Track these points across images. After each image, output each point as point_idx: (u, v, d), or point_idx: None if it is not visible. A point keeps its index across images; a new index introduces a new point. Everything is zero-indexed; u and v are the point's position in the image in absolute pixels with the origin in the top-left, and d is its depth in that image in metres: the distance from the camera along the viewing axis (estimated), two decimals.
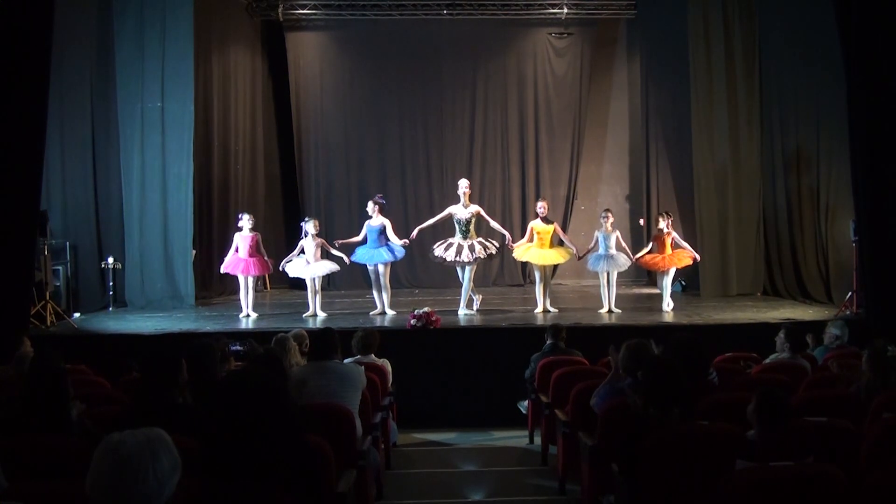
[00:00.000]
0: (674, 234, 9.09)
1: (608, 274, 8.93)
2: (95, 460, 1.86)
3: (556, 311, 9.06)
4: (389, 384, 5.91)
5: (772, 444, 3.23)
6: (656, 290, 11.55)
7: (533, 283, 11.58)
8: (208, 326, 8.52)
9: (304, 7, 12.24)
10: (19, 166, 7.10)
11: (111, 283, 9.76)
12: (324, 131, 12.65)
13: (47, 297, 8.34)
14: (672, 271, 9.11)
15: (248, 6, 12.13)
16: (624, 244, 9.06)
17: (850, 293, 8.38)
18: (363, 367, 4.98)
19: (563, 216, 12.70)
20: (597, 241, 8.98)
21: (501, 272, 12.62)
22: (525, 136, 12.70)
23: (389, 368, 6.04)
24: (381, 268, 8.93)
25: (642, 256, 9.17)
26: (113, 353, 7.14)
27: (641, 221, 12.68)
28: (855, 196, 7.66)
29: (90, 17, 9.88)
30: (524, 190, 12.71)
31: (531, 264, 9.41)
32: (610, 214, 9.07)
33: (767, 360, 5.48)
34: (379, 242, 8.88)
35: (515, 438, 6.57)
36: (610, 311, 8.95)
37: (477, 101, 12.68)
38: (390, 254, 8.89)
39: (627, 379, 4.13)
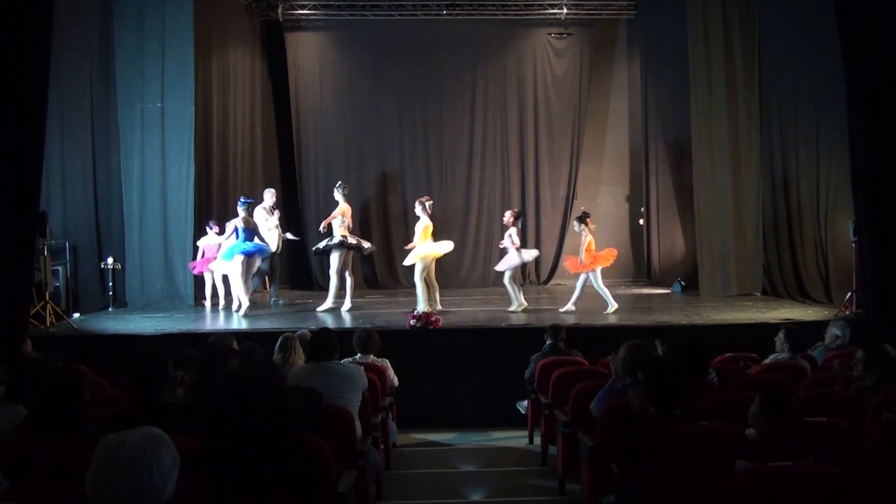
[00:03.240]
0: (584, 236, 8.92)
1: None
2: (95, 461, 1.86)
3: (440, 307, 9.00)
4: (389, 384, 5.91)
5: (773, 444, 3.22)
6: (656, 290, 11.58)
7: (533, 283, 11.69)
8: (207, 327, 8.54)
9: (303, 7, 12.24)
10: (19, 166, 7.09)
11: (111, 284, 9.75)
12: (324, 131, 12.64)
13: (47, 298, 8.33)
14: (588, 274, 8.95)
15: (247, 6, 12.12)
16: (510, 243, 9.02)
17: (849, 293, 8.38)
18: (363, 367, 4.98)
19: (563, 216, 12.71)
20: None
21: (501, 272, 12.61)
22: (525, 136, 12.69)
23: (390, 367, 6.04)
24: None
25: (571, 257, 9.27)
26: (113, 353, 7.15)
27: (641, 221, 12.68)
28: (855, 196, 7.65)
29: (90, 17, 9.87)
30: (524, 190, 12.71)
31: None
32: (508, 213, 9.19)
33: (767, 360, 5.47)
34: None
35: (515, 438, 6.57)
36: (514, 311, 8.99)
37: (477, 101, 12.67)
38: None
39: (627, 379, 4.14)
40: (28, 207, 7.23)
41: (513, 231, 9.02)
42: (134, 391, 3.77)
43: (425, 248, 8.99)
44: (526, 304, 9.08)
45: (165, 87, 9.86)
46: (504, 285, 9.19)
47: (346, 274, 9.31)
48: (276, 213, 10.10)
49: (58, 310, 8.52)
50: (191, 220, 9.98)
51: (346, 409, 4.16)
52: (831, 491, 2.67)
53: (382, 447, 5.35)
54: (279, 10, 12.20)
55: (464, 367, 7.59)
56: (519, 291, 9.12)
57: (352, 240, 9.27)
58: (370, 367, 5.39)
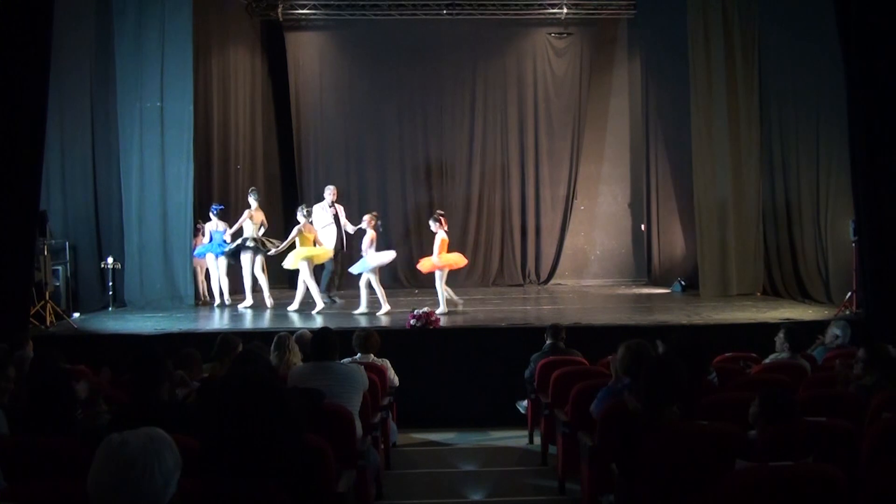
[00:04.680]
0: (438, 236, 9.03)
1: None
2: (98, 461, 1.87)
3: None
4: (389, 384, 5.91)
5: (773, 443, 3.22)
6: (656, 290, 11.58)
7: (533, 283, 11.71)
8: (207, 326, 8.54)
9: (303, 7, 12.24)
10: (19, 166, 7.09)
11: (111, 283, 9.75)
12: (324, 131, 12.65)
13: (47, 297, 8.33)
14: (437, 273, 8.99)
15: (247, 6, 12.12)
16: (365, 246, 9.08)
17: (849, 293, 8.38)
18: (363, 367, 4.97)
19: (563, 216, 12.72)
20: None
21: (501, 272, 12.63)
22: (525, 136, 12.70)
23: (390, 367, 6.05)
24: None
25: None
26: (113, 353, 7.14)
27: (643, 227, 12.68)
28: (855, 196, 7.65)
29: (90, 17, 9.86)
30: (524, 190, 12.71)
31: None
32: (367, 216, 9.31)
33: (767, 360, 5.47)
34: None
35: (515, 438, 6.56)
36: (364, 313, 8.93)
37: (477, 100, 12.68)
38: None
39: (626, 379, 4.14)
40: (28, 207, 7.23)
41: (370, 234, 9.11)
42: (133, 390, 3.77)
43: (305, 251, 9.26)
44: (367, 310, 8.94)
45: (165, 87, 9.85)
46: (374, 287, 9.15)
47: (258, 273, 9.78)
48: (333, 210, 10.10)
49: (58, 309, 8.52)
50: (190, 220, 9.99)
51: (346, 409, 4.16)
52: (831, 491, 2.67)
53: (382, 447, 5.35)
54: (279, 10, 12.21)
55: (464, 367, 7.58)
56: (369, 295, 9.05)
57: (252, 242, 9.75)
58: (370, 367, 5.39)
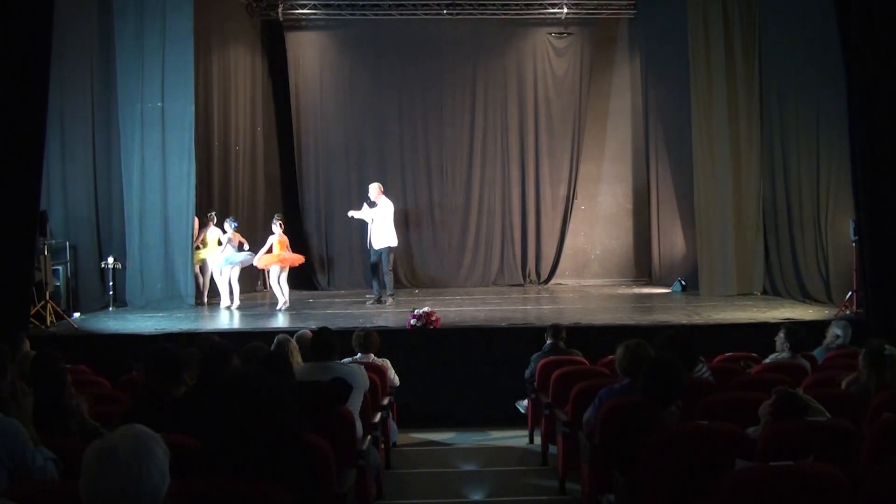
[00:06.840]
0: (273, 235, 9.79)
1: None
2: (89, 469, 1.84)
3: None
4: (390, 384, 5.91)
5: (774, 442, 3.22)
6: (656, 290, 11.58)
7: (534, 282, 11.71)
8: (208, 326, 8.54)
9: (304, 7, 12.24)
10: (19, 166, 7.10)
11: (111, 283, 9.75)
12: (324, 131, 12.64)
13: (47, 297, 8.32)
14: (273, 269, 9.71)
15: (248, 6, 12.12)
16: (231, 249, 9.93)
17: (850, 293, 8.38)
18: (363, 366, 4.97)
19: (563, 216, 12.71)
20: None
21: (501, 272, 12.63)
22: (525, 136, 12.69)
23: (391, 367, 6.05)
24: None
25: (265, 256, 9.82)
26: (113, 353, 7.14)
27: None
28: (855, 196, 7.65)
29: (90, 17, 9.86)
30: (524, 189, 12.70)
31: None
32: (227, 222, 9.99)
33: (767, 360, 5.47)
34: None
35: (515, 438, 6.57)
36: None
37: (477, 100, 12.67)
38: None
39: (625, 379, 4.14)
40: (28, 207, 7.23)
41: (229, 235, 9.87)
42: (143, 386, 3.77)
43: (208, 252, 10.22)
44: (238, 303, 9.82)
45: (165, 87, 9.84)
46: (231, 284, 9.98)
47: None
48: (373, 207, 10.09)
49: (58, 309, 8.51)
50: (191, 220, 9.98)
51: (346, 408, 4.16)
52: (831, 491, 2.67)
53: (383, 447, 5.35)
54: (279, 10, 12.21)
55: (464, 367, 7.58)
56: (235, 292, 9.85)
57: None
58: (370, 367, 5.39)
